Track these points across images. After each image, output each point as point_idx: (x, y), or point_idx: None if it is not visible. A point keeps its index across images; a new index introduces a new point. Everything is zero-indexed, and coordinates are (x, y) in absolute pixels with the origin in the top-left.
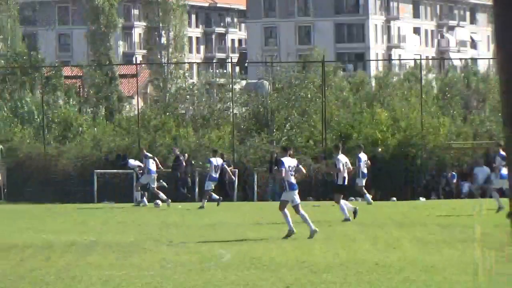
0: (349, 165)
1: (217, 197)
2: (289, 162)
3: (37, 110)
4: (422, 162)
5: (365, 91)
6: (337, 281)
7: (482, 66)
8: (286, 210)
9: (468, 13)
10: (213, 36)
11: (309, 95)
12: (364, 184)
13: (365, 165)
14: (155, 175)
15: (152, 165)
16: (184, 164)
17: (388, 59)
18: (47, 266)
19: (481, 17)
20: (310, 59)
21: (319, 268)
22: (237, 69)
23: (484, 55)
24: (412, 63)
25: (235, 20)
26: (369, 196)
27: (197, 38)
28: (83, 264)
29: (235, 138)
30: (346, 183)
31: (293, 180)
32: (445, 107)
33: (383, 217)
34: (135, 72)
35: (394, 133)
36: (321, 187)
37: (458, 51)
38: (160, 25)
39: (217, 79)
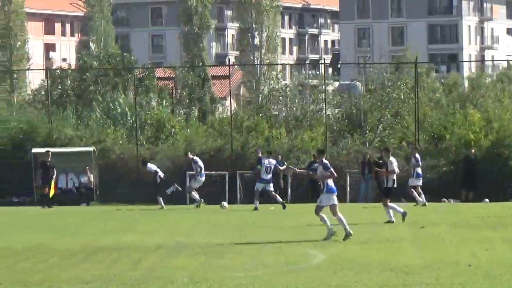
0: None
1: (281, 200)
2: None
3: (130, 111)
4: None
5: (458, 92)
6: (429, 282)
7: None
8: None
9: None
10: (306, 37)
11: (401, 96)
12: (416, 185)
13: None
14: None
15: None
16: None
17: (481, 60)
18: (135, 268)
19: None
20: (403, 60)
21: (410, 269)
22: (330, 70)
23: None
24: (505, 64)
25: (328, 21)
26: (422, 198)
27: (290, 39)
28: (170, 266)
29: (327, 139)
30: (395, 185)
31: (331, 182)
32: None
33: (475, 218)
34: (227, 74)
35: (487, 134)
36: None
37: None
38: (253, 26)
39: (310, 81)
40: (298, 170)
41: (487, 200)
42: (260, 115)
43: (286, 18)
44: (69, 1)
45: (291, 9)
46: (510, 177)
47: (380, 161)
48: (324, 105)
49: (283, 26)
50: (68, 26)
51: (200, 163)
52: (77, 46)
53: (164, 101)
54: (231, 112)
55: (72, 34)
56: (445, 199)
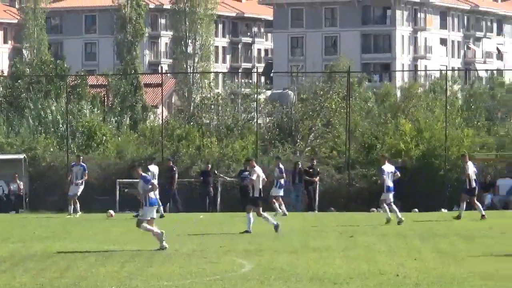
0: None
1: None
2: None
3: (61, 119)
4: (445, 173)
5: (390, 102)
6: None
7: (508, 77)
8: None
9: (495, 25)
10: (240, 46)
11: (333, 106)
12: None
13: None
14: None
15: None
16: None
17: (414, 69)
18: (63, 276)
19: (508, 28)
20: (336, 70)
21: (338, 279)
22: (263, 79)
23: (511, 66)
24: (438, 74)
25: (262, 30)
26: (282, 208)
27: (223, 47)
28: (100, 273)
29: (258, 148)
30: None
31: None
32: (470, 119)
33: (405, 228)
34: (160, 82)
35: (418, 144)
36: (344, 198)
37: (484, 62)
38: (187, 34)
39: (242, 89)
40: (228, 178)
41: (416, 209)
42: (192, 123)
43: (220, 26)
44: (2, 8)
45: (225, 17)
46: (440, 187)
47: (311, 170)
48: (255, 114)
49: (216, 35)
50: (1, 33)
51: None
52: (10, 53)
53: (96, 109)
54: (162, 120)
55: (5, 41)
56: (374, 209)
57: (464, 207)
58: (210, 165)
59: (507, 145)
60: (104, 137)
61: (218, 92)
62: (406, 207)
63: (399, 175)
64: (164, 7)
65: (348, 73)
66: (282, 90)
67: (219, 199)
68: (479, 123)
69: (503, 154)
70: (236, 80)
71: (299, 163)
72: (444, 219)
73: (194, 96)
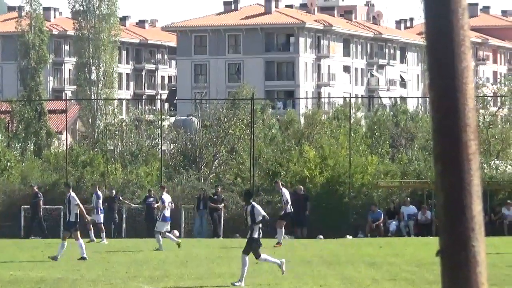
0: None
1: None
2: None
3: None
4: (350, 200)
5: (294, 129)
6: None
7: (411, 104)
8: None
9: (398, 52)
10: (143, 73)
11: (237, 132)
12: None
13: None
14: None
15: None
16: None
17: (318, 97)
18: None
19: (411, 56)
20: (240, 97)
21: None
22: (167, 105)
23: (414, 94)
24: (341, 101)
25: (166, 57)
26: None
27: (127, 74)
28: None
29: (163, 174)
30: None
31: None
32: (374, 146)
33: (310, 255)
34: (64, 108)
35: (322, 171)
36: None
37: (388, 89)
38: (90, 61)
39: (146, 116)
40: (133, 205)
41: (321, 236)
42: (96, 149)
43: (124, 53)
44: None
45: (128, 44)
46: (344, 214)
47: (216, 196)
48: (160, 140)
49: (120, 61)
50: None
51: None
52: None
53: (0, 135)
54: (66, 146)
55: None
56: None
57: (283, 232)
58: (114, 191)
59: (411, 173)
60: (8, 163)
61: (122, 119)
62: (311, 234)
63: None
64: (68, 33)
65: (252, 100)
66: (186, 116)
67: (124, 225)
68: (383, 150)
69: (407, 182)
70: (140, 107)
71: (203, 189)
72: (349, 246)
73: (98, 123)
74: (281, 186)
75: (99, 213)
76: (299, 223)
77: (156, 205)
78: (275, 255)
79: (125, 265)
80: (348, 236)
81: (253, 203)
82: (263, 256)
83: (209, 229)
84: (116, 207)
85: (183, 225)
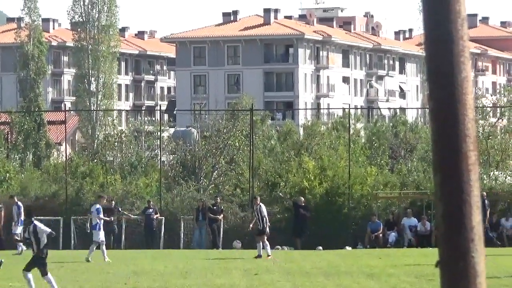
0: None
1: None
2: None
3: None
4: (349, 211)
5: (293, 140)
6: None
7: (410, 115)
8: None
9: (397, 63)
10: (142, 84)
11: (237, 144)
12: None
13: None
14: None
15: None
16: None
17: (317, 108)
18: None
19: (410, 67)
20: (239, 108)
21: None
22: (166, 116)
23: (413, 104)
24: (340, 112)
25: (165, 68)
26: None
27: (126, 85)
28: None
29: (162, 185)
30: None
31: None
32: (373, 157)
33: (309, 266)
34: (63, 119)
35: (321, 182)
36: (248, 235)
37: (387, 100)
38: (90, 72)
39: (146, 127)
40: (133, 216)
41: (320, 247)
42: (95, 160)
43: (123, 64)
44: None
45: (127, 55)
46: (344, 225)
47: (215, 207)
48: (159, 151)
49: (119, 72)
50: None
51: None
52: None
53: (0, 146)
54: (66, 157)
55: None
56: (279, 246)
57: (262, 246)
58: (114, 202)
59: (410, 183)
60: (7, 174)
61: (122, 130)
62: (310, 245)
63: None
64: (67, 44)
65: (251, 111)
66: (185, 127)
67: (123, 236)
68: (382, 161)
69: (406, 193)
70: (139, 118)
71: (202, 200)
72: (348, 257)
73: (98, 134)
74: (259, 203)
75: (18, 224)
76: (298, 233)
77: (155, 216)
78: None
79: (124, 276)
80: (347, 247)
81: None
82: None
83: (208, 240)
84: (116, 218)
85: (182, 236)
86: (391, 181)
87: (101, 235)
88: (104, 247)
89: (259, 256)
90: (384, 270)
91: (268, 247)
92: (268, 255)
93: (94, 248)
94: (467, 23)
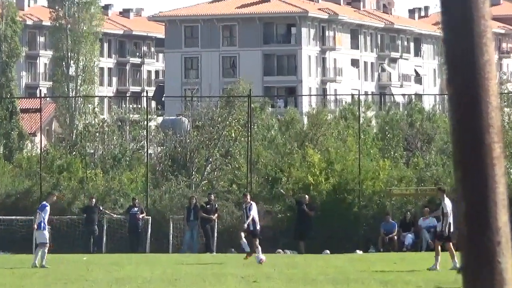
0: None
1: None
2: None
3: None
4: (360, 210)
5: (296, 130)
6: None
7: (427, 102)
8: None
9: (412, 44)
10: (127, 67)
11: (233, 134)
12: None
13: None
14: None
15: None
16: None
17: (323, 94)
18: None
19: (427, 48)
20: (235, 94)
21: None
22: (153, 104)
23: (430, 90)
24: (349, 99)
25: (152, 49)
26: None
27: (109, 69)
28: None
29: (149, 181)
30: None
31: None
32: (386, 149)
33: (315, 272)
34: (38, 107)
35: (328, 177)
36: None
37: (401, 86)
38: (69, 54)
39: (131, 115)
40: (115, 215)
41: (327, 251)
42: (74, 153)
43: (106, 46)
44: None
45: (111, 36)
46: (354, 226)
47: (208, 206)
48: (145, 143)
49: (102, 55)
50: None
51: None
52: None
53: None
54: (41, 149)
55: None
56: (280, 250)
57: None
58: (94, 200)
59: (428, 179)
60: None
61: (104, 119)
62: (316, 248)
63: None
64: (44, 23)
65: (249, 97)
66: (175, 116)
67: (104, 239)
68: (396, 154)
69: (423, 189)
70: (124, 105)
71: (194, 198)
72: (359, 262)
73: (77, 123)
74: (249, 200)
75: None
76: (302, 235)
77: (141, 216)
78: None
79: (105, 284)
80: (357, 251)
81: None
82: None
83: (201, 242)
84: (96, 218)
85: (171, 239)
86: (407, 176)
87: (46, 236)
88: (46, 250)
89: (248, 254)
90: (400, 277)
91: (259, 250)
92: (248, 254)
93: (46, 250)
94: (489, 1)
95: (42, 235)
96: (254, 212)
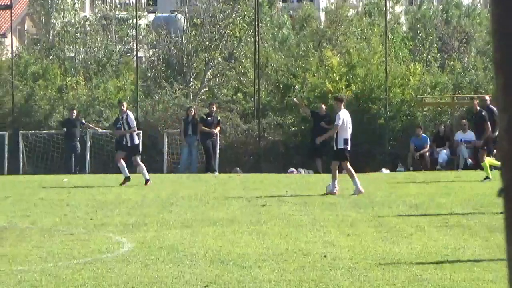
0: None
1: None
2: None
3: None
4: (386, 122)
5: (312, 29)
6: (272, 278)
7: None
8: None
9: None
10: None
11: (237, 34)
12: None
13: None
14: None
15: None
16: None
17: None
18: None
19: None
20: None
21: (247, 261)
22: None
23: None
24: None
25: None
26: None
27: None
28: None
29: (139, 89)
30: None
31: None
32: (417, 50)
33: (333, 195)
34: (8, 3)
35: (349, 83)
36: (253, 155)
37: None
38: None
39: (117, 12)
40: (100, 129)
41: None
42: (51, 57)
43: None
44: None
45: None
46: (379, 141)
47: (209, 118)
48: (135, 45)
49: None
50: None
51: None
52: None
53: None
54: (12, 54)
55: None
56: (294, 169)
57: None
58: (75, 112)
59: (466, 85)
60: None
61: (85, 16)
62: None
63: None
64: None
65: None
66: (169, 13)
67: (88, 157)
68: (429, 56)
69: (461, 97)
70: (109, 1)
71: (192, 109)
72: (385, 182)
73: (54, 22)
74: (125, 109)
75: None
76: (319, 152)
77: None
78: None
79: (89, 209)
80: (383, 170)
81: None
82: None
83: (201, 161)
84: (78, 133)
85: (166, 156)
86: (442, 82)
87: None
88: None
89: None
90: (433, 199)
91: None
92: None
93: None
94: None
95: None
96: (133, 123)
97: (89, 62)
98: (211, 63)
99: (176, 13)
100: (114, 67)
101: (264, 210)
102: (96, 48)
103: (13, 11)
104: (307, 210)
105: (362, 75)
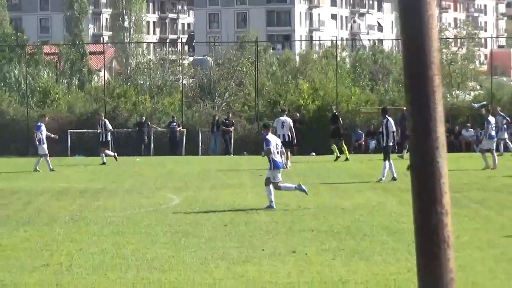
0: None
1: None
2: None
3: (22, 80)
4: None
5: (291, 66)
6: (266, 220)
7: (387, 45)
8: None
9: (376, 2)
10: (167, 21)
11: (244, 69)
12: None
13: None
14: None
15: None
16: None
17: (310, 40)
18: (25, 209)
19: (387, 5)
20: (246, 40)
21: (252, 210)
22: (186, 47)
23: (389, 36)
24: (329, 43)
25: (185, 7)
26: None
27: (154, 22)
28: (56, 206)
29: (183, 104)
30: None
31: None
32: (356, 79)
33: (304, 168)
34: (102, 50)
35: (314, 100)
36: (254, 144)
37: (368, 33)
38: (123, 11)
39: (170, 56)
40: (159, 128)
41: (313, 153)
42: (129, 84)
43: (151, 4)
44: None
45: None
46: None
47: (227, 121)
48: (181, 76)
49: (148, 11)
50: None
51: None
52: None
53: (50, 72)
54: (104, 81)
55: None
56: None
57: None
58: (144, 118)
59: (387, 101)
60: (57, 95)
61: (150, 58)
62: (304, 151)
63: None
64: None
65: (256, 42)
66: (202, 56)
67: (152, 145)
68: (364, 83)
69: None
70: (165, 49)
71: (217, 116)
72: (335, 162)
73: (131, 62)
74: (103, 118)
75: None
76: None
77: (178, 129)
78: None
79: (153, 178)
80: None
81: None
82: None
83: (222, 148)
84: (146, 131)
85: (200, 145)
86: (371, 99)
87: (45, 149)
88: (48, 159)
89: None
90: (366, 172)
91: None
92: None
93: (40, 160)
94: None
95: (42, 148)
96: (109, 126)
97: (152, 87)
98: (228, 88)
99: (207, 56)
100: (168, 90)
101: (261, 178)
102: (156, 78)
103: (105, 55)
104: (294, 180)
105: (322, 95)
